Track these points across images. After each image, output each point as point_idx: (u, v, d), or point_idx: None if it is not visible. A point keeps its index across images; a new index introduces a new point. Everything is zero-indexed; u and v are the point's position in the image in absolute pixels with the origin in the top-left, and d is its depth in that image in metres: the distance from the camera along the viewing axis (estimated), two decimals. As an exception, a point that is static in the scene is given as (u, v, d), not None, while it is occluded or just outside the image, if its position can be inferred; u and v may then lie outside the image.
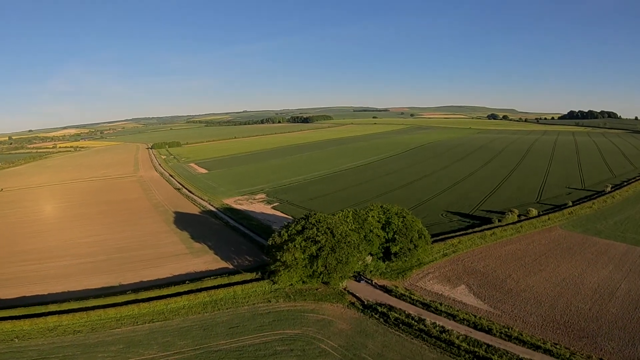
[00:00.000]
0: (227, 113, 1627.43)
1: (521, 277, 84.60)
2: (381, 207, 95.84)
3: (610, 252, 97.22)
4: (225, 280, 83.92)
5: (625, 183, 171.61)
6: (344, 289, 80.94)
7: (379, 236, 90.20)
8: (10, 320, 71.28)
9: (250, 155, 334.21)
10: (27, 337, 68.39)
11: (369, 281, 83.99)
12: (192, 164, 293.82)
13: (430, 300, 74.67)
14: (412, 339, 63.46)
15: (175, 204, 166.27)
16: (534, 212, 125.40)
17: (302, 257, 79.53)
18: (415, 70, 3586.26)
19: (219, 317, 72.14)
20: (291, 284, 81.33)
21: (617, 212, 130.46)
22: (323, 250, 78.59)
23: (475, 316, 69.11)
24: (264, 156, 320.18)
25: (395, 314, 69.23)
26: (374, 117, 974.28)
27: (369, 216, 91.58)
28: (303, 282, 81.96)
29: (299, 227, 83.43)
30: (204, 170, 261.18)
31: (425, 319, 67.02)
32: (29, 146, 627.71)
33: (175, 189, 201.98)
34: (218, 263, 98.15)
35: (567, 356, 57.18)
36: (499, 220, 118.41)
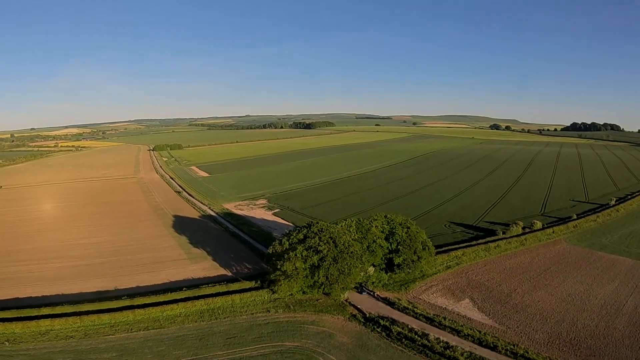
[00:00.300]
0: (229, 117, 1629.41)
1: (526, 292, 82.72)
2: (385, 217, 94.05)
3: (616, 268, 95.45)
4: (223, 288, 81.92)
5: (630, 196, 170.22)
6: (346, 301, 78.92)
7: (382, 247, 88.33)
8: (2, 323, 69.33)
9: (252, 159, 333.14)
10: (19, 340, 66.31)
11: (371, 293, 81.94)
12: (193, 167, 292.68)
13: (434, 314, 72.69)
14: (415, 354, 61.35)
15: (175, 207, 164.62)
16: (539, 224, 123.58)
17: (303, 266, 77.56)
18: (418, 79, 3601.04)
19: (216, 326, 70.13)
20: (291, 294, 79.18)
21: (621, 226, 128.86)
22: (325, 261, 76.69)
23: (479, 332, 67.14)
24: (265, 161, 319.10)
25: (398, 328, 67.21)
26: (376, 125, 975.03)
27: (372, 226, 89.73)
28: (303, 292, 79.93)
29: (301, 236, 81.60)
30: (205, 174, 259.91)
31: (428, 334, 65.06)
32: (30, 144, 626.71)
33: (176, 192, 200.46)
34: (217, 270, 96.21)
35: (576, 377, 55.20)
36: (503, 232, 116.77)
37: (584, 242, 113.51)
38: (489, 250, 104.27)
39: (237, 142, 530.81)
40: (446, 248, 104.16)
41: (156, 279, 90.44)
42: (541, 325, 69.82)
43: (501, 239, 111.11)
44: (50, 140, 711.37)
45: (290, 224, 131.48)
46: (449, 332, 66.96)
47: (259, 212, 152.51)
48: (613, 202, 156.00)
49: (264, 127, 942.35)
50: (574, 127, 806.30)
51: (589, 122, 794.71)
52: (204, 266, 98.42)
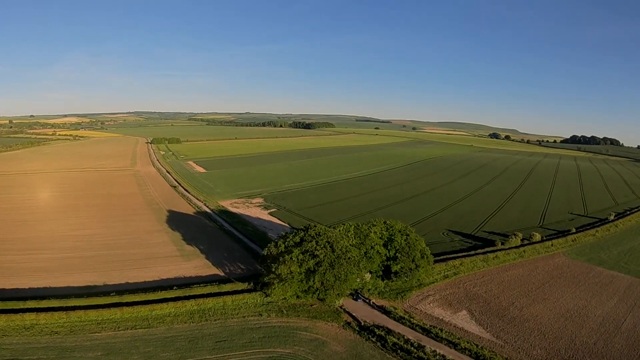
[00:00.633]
0: (229, 113, 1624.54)
1: (524, 306, 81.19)
2: (384, 222, 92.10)
3: (614, 284, 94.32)
4: (215, 288, 79.80)
5: (628, 212, 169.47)
6: (340, 307, 76.98)
7: (380, 253, 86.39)
8: (-15, 316, 66.96)
9: (250, 157, 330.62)
10: (2, 334, 64.02)
11: (367, 300, 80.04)
12: (190, 162, 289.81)
13: (431, 326, 70.87)
14: (411, 367, 59.69)
15: (170, 202, 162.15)
16: (538, 236, 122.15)
17: (299, 271, 75.46)
18: (418, 84, 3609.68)
19: (206, 328, 68.04)
20: (284, 298, 77.05)
21: (620, 242, 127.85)
22: (321, 266, 74.67)
23: (477, 345, 65.49)
24: (264, 159, 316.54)
25: (394, 339, 65.35)
26: (376, 128, 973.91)
27: (371, 232, 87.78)
28: (297, 297, 77.79)
29: (297, 239, 79.56)
30: (202, 169, 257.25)
31: (425, 346, 63.31)
32: (28, 131, 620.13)
33: (172, 186, 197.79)
34: (209, 269, 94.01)
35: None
36: (502, 243, 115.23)
37: (583, 257, 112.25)
38: (488, 261, 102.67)
39: (235, 138, 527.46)
40: (444, 257, 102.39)
41: (147, 275, 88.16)
42: (539, 341, 68.31)
43: (500, 250, 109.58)
44: (49, 128, 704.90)
45: (286, 225, 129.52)
46: (445, 345, 65.22)
47: (254, 210, 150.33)
48: (612, 217, 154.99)
49: (264, 125, 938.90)
50: (574, 140, 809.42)
51: (589, 136, 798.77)
52: (197, 264, 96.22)
